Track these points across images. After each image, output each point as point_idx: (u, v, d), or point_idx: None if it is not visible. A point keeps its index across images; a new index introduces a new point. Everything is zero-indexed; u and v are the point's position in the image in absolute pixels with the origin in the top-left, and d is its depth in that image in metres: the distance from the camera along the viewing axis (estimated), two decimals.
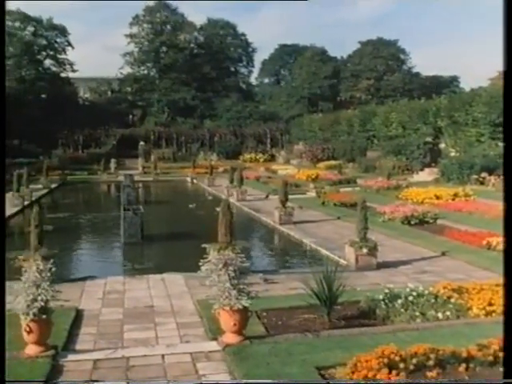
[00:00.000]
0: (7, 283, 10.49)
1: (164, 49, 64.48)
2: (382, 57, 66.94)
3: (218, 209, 12.20)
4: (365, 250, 11.74)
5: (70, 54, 61.78)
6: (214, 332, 7.71)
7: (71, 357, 7.17)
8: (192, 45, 66.29)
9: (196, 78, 63.91)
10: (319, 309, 8.31)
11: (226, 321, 7.29)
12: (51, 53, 60.71)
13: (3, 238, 9.63)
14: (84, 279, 11.38)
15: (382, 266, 11.87)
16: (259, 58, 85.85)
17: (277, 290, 10.17)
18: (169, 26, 65.05)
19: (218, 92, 64.32)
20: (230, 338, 7.30)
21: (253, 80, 77.53)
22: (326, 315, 8.22)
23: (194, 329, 8.19)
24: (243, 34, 70.83)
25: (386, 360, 6.03)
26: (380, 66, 66.62)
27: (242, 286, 7.28)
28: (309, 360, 6.68)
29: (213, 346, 7.40)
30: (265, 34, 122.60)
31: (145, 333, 8.08)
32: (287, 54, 77.43)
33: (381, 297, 8.54)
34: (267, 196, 24.61)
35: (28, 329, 6.90)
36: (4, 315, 5.96)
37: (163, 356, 7.15)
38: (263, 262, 14.40)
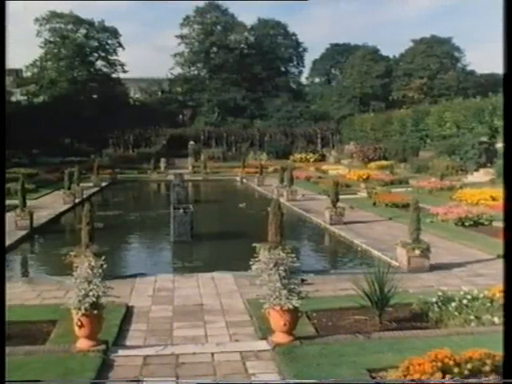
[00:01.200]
0: (59, 278, 10.83)
1: (214, 49, 64.85)
2: (436, 55, 65.56)
3: (268, 208, 12.13)
4: (417, 252, 11.50)
5: (121, 55, 63.09)
6: (264, 331, 7.67)
7: (121, 352, 7.24)
8: (242, 45, 66.43)
9: (246, 78, 64.08)
10: (370, 310, 8.19)
11: (276, 320, 7.24)
12: (102, 54, 62.00)
13: (3, 238, 9.79)
14: (134, 276, 11.51)
15: (435, 268, 11.62)
16: (310, 57, 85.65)
17: (327, 290, 10.07)
18: (219, 27, 65.37)
19: (268, 92, 64.32)
20: (280, 337, 7.25)
21: (303, 80, 77.22)
22: (378, 317, 8.08)
23: (243, 328, 8.17)
24: (294, 34, 70.59)
25: (439, 364, 5.84)
26: (433, 65, 65.23)
27: (292, 286, 7.22)
28: (360, 362, 6.58)
29: (262, 345, 7.37)
30: (315, 34, 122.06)
31: (194, 331, 8.10)
32: (338, 54, 76.70)
33: (434, 299, 8.35)
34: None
35: (79, 323, 7.01)
36: (4, 314, 6.02)
37: (213, 354, 7.14)
38: (313, 262, 14.26)
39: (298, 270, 8.60)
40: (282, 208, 12.01)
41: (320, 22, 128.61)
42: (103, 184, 33.49)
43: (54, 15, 59.43)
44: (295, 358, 6.73)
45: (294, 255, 7.80)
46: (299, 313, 7.35)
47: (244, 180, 36.43)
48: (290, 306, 7.06)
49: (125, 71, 63.09)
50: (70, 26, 60.11)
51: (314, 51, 74.27)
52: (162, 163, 42.92)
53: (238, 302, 9.46)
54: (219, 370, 6.65)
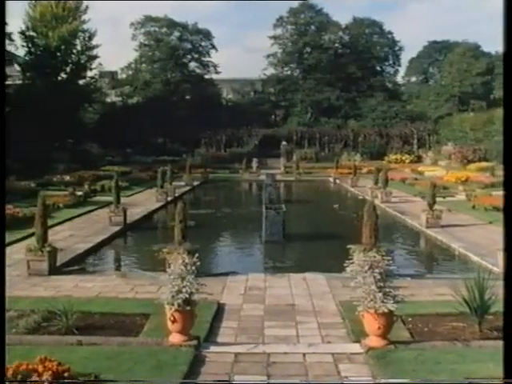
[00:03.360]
0: (152, 273, 11.09)
1: (308, 49, 64.60)
2: None
3: (364, 209, 11.82)
4: None
5: (214, 56, 63.96)
6: (357, 334, 7.50)
7: (213, 348, 7.29)
8: (337, 45, 65.79)
9: (340, 77, 63.35)
10: (469, 317, 7.85)
11: (370, 324, 7.06)
12: (196, 56, 63.20)
13: (3, 237, 10.02)
14: (226, 274, 11.60)
15: None
16: (406, 56, 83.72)
17: (423, 295, 9.75)
18: (313, 27, 65.04)
19: (362, 92, 63.30)
20: (374, 341, 7.06)
21: (399, 79, 75.48)
22: (477, 325, 7.73)
23: (335, 329, 8.03)
24: (390, 33, 69.11)
25: None
26: None
27: (387, 290, 7.01)
28: (458, 370, 6.28)
29: (355, 348, 7.20)
30: (412, 32, 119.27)
31: (286, 330, 8.05)
32: (436, 51, 74.50)
33: None
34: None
35: (172, 318, 7.11)
36: (4, 314, 6.11)
37: (304, 355, 7.06)
38: (409, 266, 13.82)
39: (393, 273, 8.36)
40: (376, 210, 11.72)
41: (417, 19, 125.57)
42: (195, 183, 34.02)
43: (148, 19, 61.37)
44: (389, 363, 6.53)
45: (389, 258, 7.58)
46: (394, 317, 7.15)
47: (337, 181, 36.02)
48: (385, 310, 6.87)
49: (217, 72, 64.08)
50: (164, 30, 61.87)
51: (410, 49, 72.98)
52: (254, 163, 43.09)
53: (331, 304, 9.32)
54: (311, 371, 6.56)
